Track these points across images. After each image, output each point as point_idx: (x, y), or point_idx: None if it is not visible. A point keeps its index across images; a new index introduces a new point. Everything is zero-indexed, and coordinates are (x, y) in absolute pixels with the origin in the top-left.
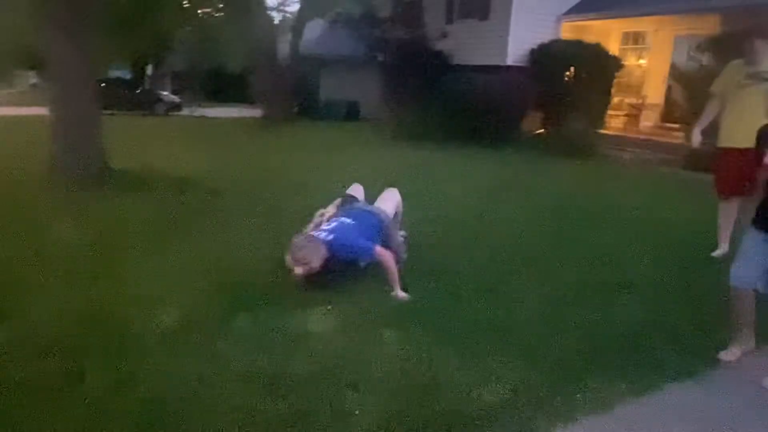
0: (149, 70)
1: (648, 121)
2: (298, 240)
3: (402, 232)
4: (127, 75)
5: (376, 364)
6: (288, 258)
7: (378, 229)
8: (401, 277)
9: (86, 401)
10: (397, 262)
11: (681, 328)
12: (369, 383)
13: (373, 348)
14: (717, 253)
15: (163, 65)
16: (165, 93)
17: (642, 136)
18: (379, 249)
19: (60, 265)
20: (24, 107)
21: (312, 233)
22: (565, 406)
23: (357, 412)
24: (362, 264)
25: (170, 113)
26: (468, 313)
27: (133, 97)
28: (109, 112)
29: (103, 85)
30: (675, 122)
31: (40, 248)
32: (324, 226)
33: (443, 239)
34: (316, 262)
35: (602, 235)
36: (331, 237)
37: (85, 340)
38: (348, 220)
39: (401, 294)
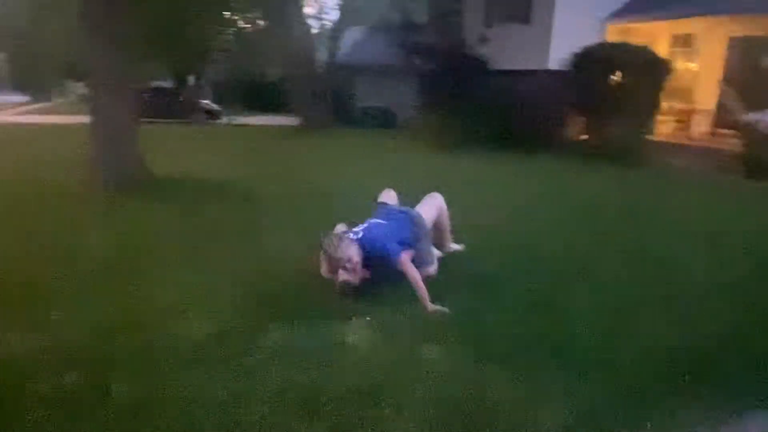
0: (191, 79)
1: (699, 126)
2: (327, 242)
3: (457, 246)
4: (169, 84)
5: (419, 383)
6: (323, 266)
7: (414, 231)
8: (429, 292)
9: (110, 418)
10: (421, 275)
11: (755, 347)
12: (411, 404)
13: (415, 365)
14: None
15: (204, 75)
16: (205, 102)
17: (693, 143)
18: (404, 258)
19: (92, 273)
20: (74, 116)
21: (339, 233)
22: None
23: None
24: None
25: (210, 122)
26: (517, 328)
27: (174, 106)
28: (151, 120)
29: (146, 94)
30: (728, 128)
31: (73, 255)
32: (354, 229)
33: (489, 249)
34: (355, 258)
35: (659, 246)
36: (360, 235)
37: (113, 353)
38: (378, 221)
39: (433, 307)
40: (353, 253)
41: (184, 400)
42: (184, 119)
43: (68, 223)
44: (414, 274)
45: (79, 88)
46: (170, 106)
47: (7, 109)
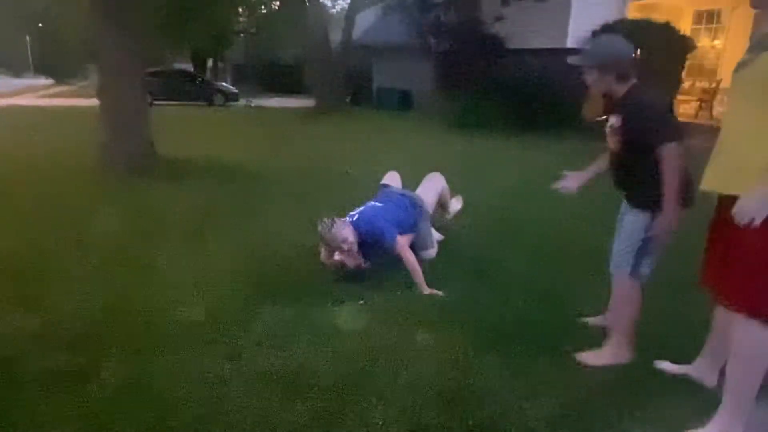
0: (210, 62)
1: (722, 106)
2: (321, 226)
3: (457, 203)
4: (189, 67)
5: (409, 369)
6: (322, 251)
7: (412, 213)
8: (428, 276)
9: (98, 397)
10: (420, 259)
11: None
12: (398, 390)
13: (405, 350)
14: None
15: (223, 58)
16: (224, 84)
17: (716, 123)
18: (400, 241)
19: (93, 254)
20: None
21: (335, 217)
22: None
23: (381, 423)
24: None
25: (228, 104)
26: (516, 314)
27: (193, 89)
28: (169, 102)
29: (165, 77)
30: None
31: (75, 236)
32: (351, 212)
33: (496, 234)
34: (350, 238)
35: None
36: (356, 217)
37: (106, 334)
38: (376, 204)
39: (427, 290)
40: (348, 234)
41: (175, 378)
42: (202, 101)
43: (73, 205)
44: (409, 257)
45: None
46: (189, 89)
47: (28, 93)
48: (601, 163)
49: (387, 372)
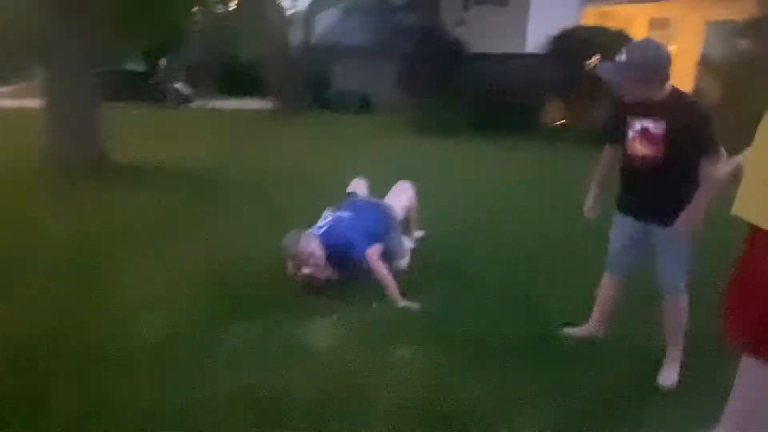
0: (163, 62)
1: None
2: (287, 240)
3: (419, 233)
4: (141, 67)
5: (390, 387)
6: (289, 265)
7: (383, 222)
8: (401, 285)
9: (53, 427)
10: (391, 269)
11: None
12: (381, 411)
13: (386, 367)
14: None
15: (177, 58)
16: (177, 85)
17: None
18: (370, 253)
19: (37, 267)
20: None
21: (301, 231)
22: None
23: None
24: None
25: (182, 105)
26: (493, 326)
27: (145, 90)
28: (120, 104)
29: (115, 77)
30: None
31: (20, 247)
32: (319, 223)
33: (466, 239)
34: (318, 253)
35: None
36: (322, 230)
37: (57, 355)
38: (345, 214)
39: (403, 302)
40: (315, 248)
41: (136, 406)
42: (155, 102)
43: (18, 212)
44: (381, 269)
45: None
46: (140, 90)
47: None
48: (602, 176)
49: (368, 392)
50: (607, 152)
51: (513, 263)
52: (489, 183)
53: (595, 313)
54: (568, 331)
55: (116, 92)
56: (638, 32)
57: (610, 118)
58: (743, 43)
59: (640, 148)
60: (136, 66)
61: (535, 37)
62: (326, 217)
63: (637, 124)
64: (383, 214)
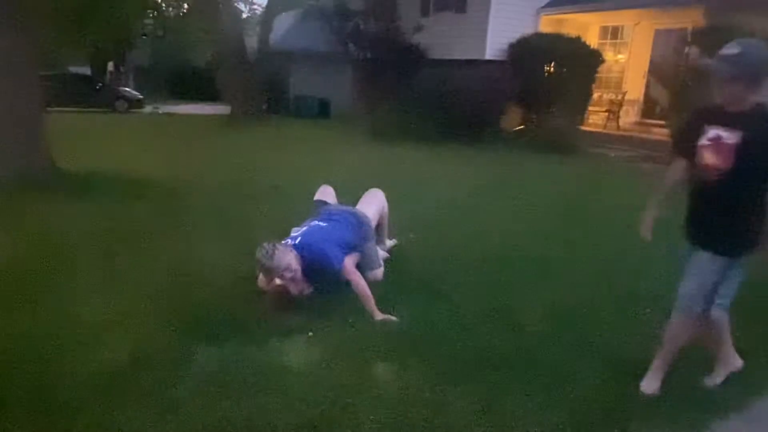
0: (110, 66)
1: (628, 117)
2: (261, 252)
3: (391, 241)
4: (86, 71)
5: (374, 410)
6: (260, 278)
7: (358, 232)
8: (376, 298)
9: None
10: (367, 280)
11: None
12: None
13: (367, 387)
14: None
15: (126, 61)
16: (127, 90)
17: (622, 133)
18: (348, 264)
19: None
20: None
21: (276, 242)
22: None
23: None
24: (343, 278)
25: (132, 111)
26: (474, 339)
27: (92, 94)
28: (66, 109)
29: (60, 81)
30: (655, 118)
31: None
32: (293, 233)
33: (434, 248)
34: (294, 265)
35: (607, 239)
36: (298, 240)
37: (5, 387)
38: (320, 223)
39: (380, 316)
40: (291, 260)
41: None
42: (104, 108)
43: None
44: (359, 281)
45: None
46: (87, 94)
47: None
48: (665, 192)
49: (350, 415)
50: (675, 166)
51: (485, 271)
52: (452, 189)
53: (660, 361)
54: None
55: (59, 97)
56: (592, 40)
57: (684, 127)
58: (693, 52)
59: (709, 158)
60: (81, 69)
61: (495, 44)
62: (300, 227)
63: (711, 132)
64: (359, 224)
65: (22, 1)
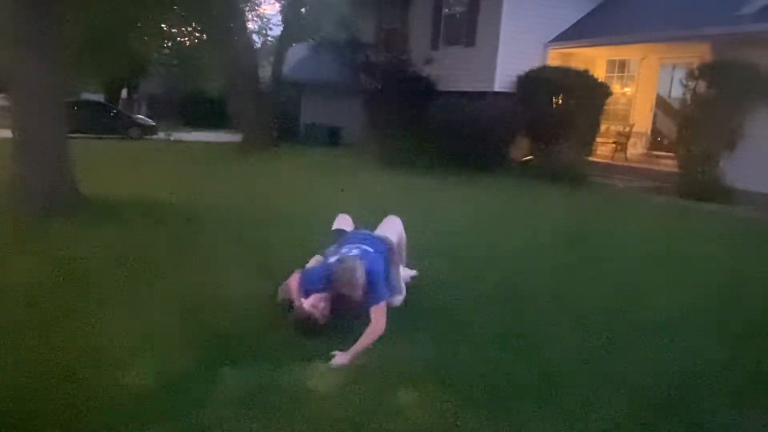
0: (124, 93)
1: (635, 149)
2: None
3: (412, 272)
4: (101, 98)
5: None
6: (294, 298)
7: (387, 258)
8: (396, 323)
9: None
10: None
11: (735, 379)
12: None
13: (391, 413)
14: None
15: (139, 88)
16: (140, 117)
17: (630, 164)
18: (384, 306)
19: (11, 312)
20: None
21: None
22: None
23: None
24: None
25: (145, 137)
26: (496, 366)
27: (106, 121)
28: (81, 135)
29: (76, 107)
30: (662, 150)
31: None
32: (331, 257)
33: (449, 276)
34: (362, 279)
35: (619, 268)
36: (365, 261)
37: (36, 410)
38: (368, 249)
39: (339, 360)
40: (361, 275)
41: None
42: (118, 134)
43: None
44: (382, 326)
45: (2, 98)
46: (102, 121)
47: None
48: None
49: None
50: None
51: (499, 298)
52: (460, 219)
53: None
54: None
55: (77, 124)
56: (599, 73)
57: None
58: (701, 86)
59: None
60: (94, 96)
61: (504, 77)
62: (332, 253)
63: None
64: (389, 251)
65: (50, 29)
